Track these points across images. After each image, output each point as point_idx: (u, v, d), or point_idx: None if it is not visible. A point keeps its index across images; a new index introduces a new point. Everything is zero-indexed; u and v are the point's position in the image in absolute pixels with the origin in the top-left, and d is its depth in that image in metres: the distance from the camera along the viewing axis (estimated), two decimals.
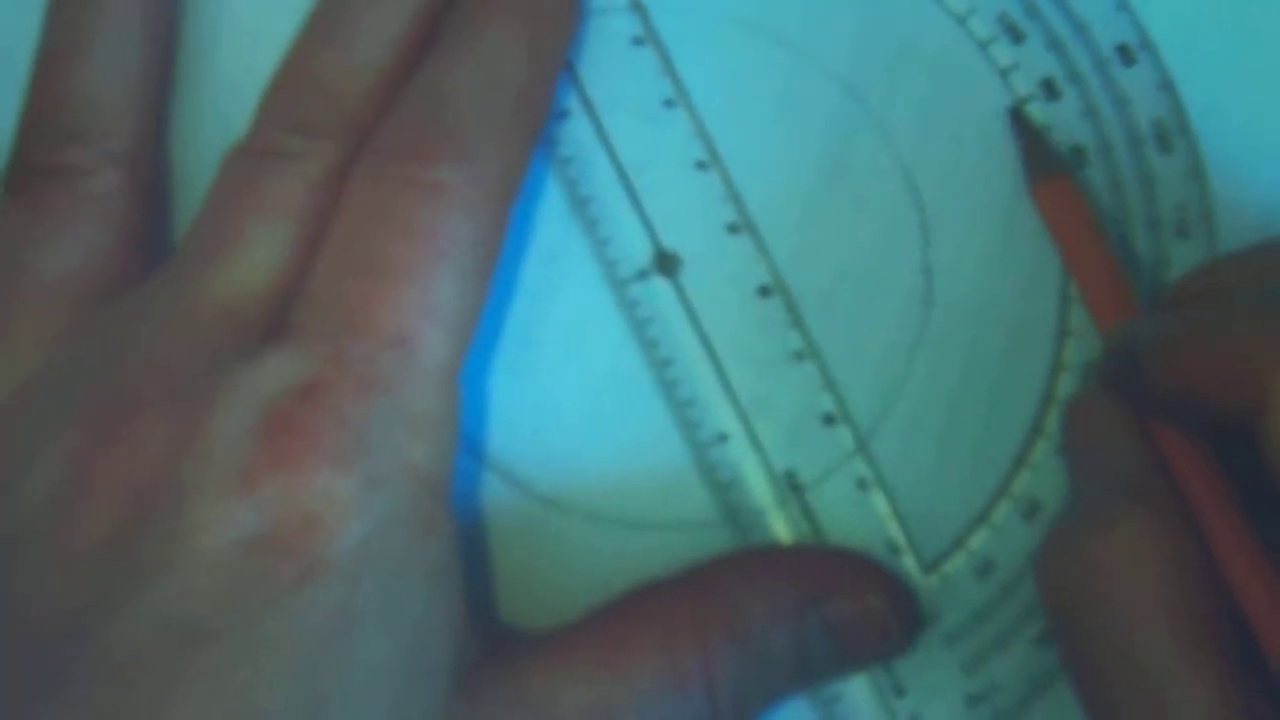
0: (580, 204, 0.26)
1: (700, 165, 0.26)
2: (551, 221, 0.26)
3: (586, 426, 0.26)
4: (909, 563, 0.26)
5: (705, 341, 0.26)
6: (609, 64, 0.26)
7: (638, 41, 0.26)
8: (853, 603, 0.25)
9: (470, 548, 0.25)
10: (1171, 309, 0.23)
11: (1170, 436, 0.22)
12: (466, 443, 0.25)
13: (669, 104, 0.26)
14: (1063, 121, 0.26)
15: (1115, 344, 0.23)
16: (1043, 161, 0.25)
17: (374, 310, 0.22)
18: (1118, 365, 0.23)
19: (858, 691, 0.25)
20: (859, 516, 0.26)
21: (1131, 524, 0.21)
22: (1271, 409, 0.19)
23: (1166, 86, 0.26)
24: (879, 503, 0.26)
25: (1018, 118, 0.26)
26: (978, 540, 0.26)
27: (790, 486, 0.26)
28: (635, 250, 0.26)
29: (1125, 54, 0.26)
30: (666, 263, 0.26)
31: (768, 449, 0.26)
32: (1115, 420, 0.23)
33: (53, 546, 0.21)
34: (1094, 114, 0.26)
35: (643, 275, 0.26)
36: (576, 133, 0.26)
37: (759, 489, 0.26)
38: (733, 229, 0.26)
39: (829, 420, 0.26)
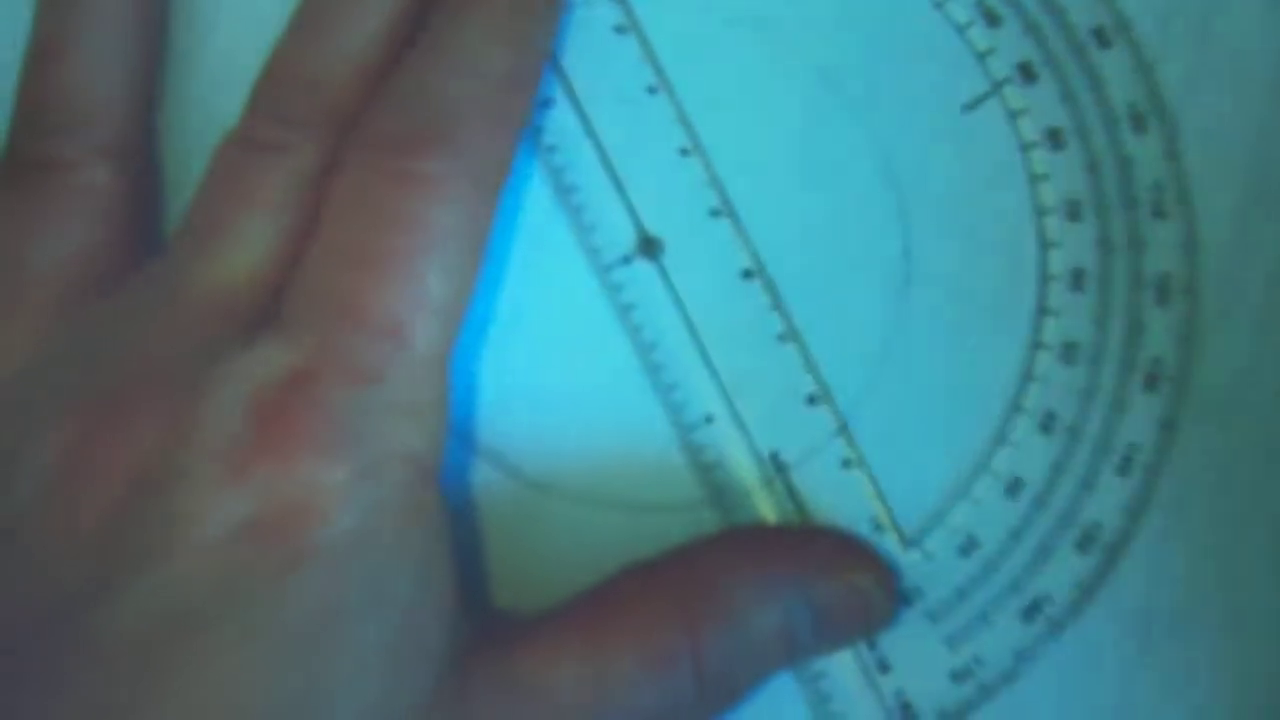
0: (565, 191, 0.26)
1: (683, 151, 0.26)
2: (537, 209, 0.26)
3: (573, 411, 0.26)
4: (892, 540, 0.26)
5: (689, 325, 0.26)
6: (592, 53, 0.26)
7: (620, 30, 0.26)
8: (838, 581, 0.25)
9: (460, 533, 0.25)
10: None
11: None
12: (455, 429, 0.26)
13: (651, 91, 0.26)
14: (1039, 104, 0.26)
15: None
16: None
17: (364, 300, 0.22)
18: None
19: (842, 669, 0.26)
20: (842, 495, 0.26)
21: None
22: None
23: (1142, 69, 0.26)
24: (861, 481, 0.26)
25: None
26: (959, 517, 0.26)
27: (775, 467, 0.26)
28: (619, 236, 0.26)
29: (1101, 37, 0.26)
30: (650, 247, 0.26)
31: (752, 430, 0.26)
32: None
33: (46, 535, 0.21)
34: (1071, 97, 0.26)
35: (627, 260, 0.26)
36: (560, 121, 0.26)
37: (744, 469, 0.26)
38: (714, 214, 0.26)
39: (811, 401, 0.26)
